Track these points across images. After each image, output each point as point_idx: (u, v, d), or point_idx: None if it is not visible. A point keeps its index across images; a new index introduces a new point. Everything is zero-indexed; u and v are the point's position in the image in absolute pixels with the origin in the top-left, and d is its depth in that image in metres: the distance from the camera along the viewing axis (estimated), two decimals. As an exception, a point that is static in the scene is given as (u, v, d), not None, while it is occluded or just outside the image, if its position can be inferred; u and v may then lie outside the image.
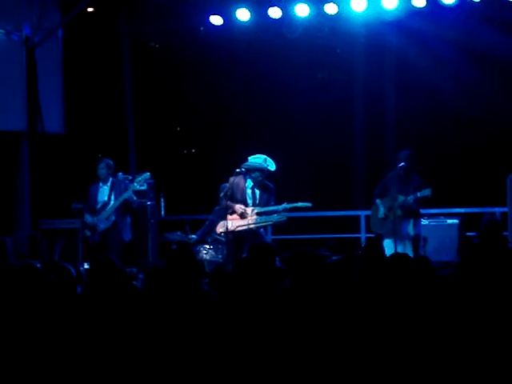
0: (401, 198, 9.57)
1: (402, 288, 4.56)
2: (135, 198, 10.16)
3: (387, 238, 9.47)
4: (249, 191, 9.60)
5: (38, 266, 5.77)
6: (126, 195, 10.02)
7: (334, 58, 12.28)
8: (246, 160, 9.61)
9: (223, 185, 9.73)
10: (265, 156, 9.55)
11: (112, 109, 12.60)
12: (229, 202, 9.55)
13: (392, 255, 5.32)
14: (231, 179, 9.58)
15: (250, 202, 9.57)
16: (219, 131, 12.56)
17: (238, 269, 4.73)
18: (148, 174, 10.21)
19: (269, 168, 9.50)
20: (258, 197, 9.58)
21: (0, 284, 5.22)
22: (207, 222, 10.39)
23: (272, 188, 9.61)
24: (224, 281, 5.52)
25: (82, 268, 7.48)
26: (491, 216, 9.90)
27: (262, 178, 9.55)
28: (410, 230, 9.63)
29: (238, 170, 9.51)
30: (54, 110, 11.41)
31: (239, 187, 9.58)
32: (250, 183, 9.60)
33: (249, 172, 9.54)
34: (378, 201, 9.80)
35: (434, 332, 4.11)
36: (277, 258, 5.71)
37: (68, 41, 11.85)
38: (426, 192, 9.39)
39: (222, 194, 9.62)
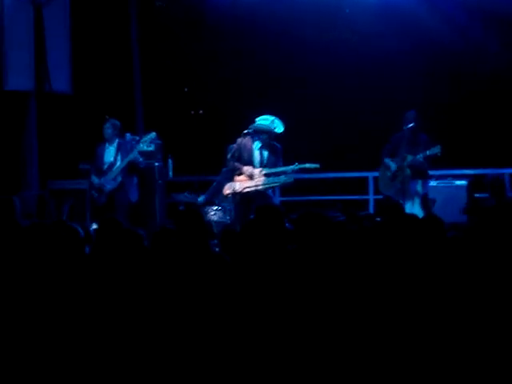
0: (409, 158, 9.56)
1: (411, 248, 4.54)
2: (141, 159, 10.15)
3: (395, 198, 9.46)
4: (256, 152, 9.58)
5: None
6: (131, 156, 10.01)
7: (343, 19, 12.16)
8: (254, 121, 9.57)
9: (230, 146, 9.70)
10: (273, 117, 9.50)
11: (119, 69, 12.54)
12: (236, 164, 9.54)
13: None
14: (239, 140, 9.55)
15: (257, 163, 9.56)
16: (227, 92, 12.49)
17: (246, 230, 4.73)
18: (154, 133, 10.20)
19: (276, 130, 9.47)
20: (265, 158, 9.57)
21: (9, 243, 5.24)
22: (214, 184, 10.38)
23: (279, 149, 9.58)
24: (232, 241, 5.52)
25: (90, 228, 7.49)
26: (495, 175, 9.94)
27: (270, 140, 9.52)
28: (419, 189, 9.63)
29: (245, 132, 9.48)
30: (61, 69, 11.34)
31: (246, 148, 9.56)
32: (257, 144, 9.58)
33: (256, 133, 9.51)
34: (386, 159, 9.79)
35: (440, 292, 4.11)
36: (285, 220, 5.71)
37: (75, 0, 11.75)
38: (436, 149, 9.39)
39: (229, 156, 9.60)
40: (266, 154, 9.57)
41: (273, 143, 9.56)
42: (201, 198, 10.32)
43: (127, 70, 12.58)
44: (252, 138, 9.55)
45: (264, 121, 9.50)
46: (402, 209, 5.99)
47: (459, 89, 11.58)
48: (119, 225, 5.68)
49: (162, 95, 12.77)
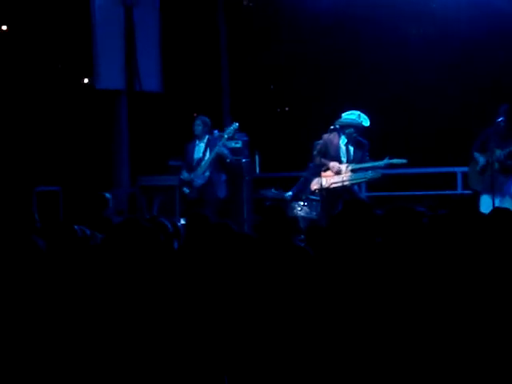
0: (498, 152, 9.41)
1: (503, 245, 4.44)
2: (227, 151, 10.25)
3: (485, 193, 9.32)
4: (343, 148, 9.59)
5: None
6: (216, 149, 10.15)
7: (428, 11, 12.02)
8: (340, 117, 9.58)
9: (317, 142, 9.73)
10: (358, 112, 9.50)
11: (207, 67, 12.72)
12: (323, 160, 9.56)
13: (493, 210, 5.18)
14: (325, 136, 9.58)
15: (343, 159, 9.56)
16: (312, 89, 12.52)
17: (333, 224, 4.73)
18: (236, 124, 10.32)
19: (363, 124, 9.46)
20: (351, 153, 9.56)
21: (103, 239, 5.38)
22: (301, 179, 10.42)
23: (366, 144, 9.57)
24: (319, 236, 5.55)
25: (179, 223, 7.62)
26: None
27: (357, 135, 9.52)
28: (509, 183, 9.46)
29: (331, 127, 9.50)
30: (151, 68, 11.52)
31: (333, 144, 9.57)
32: (344, 140, 9.58)
33: (343, 128, 9.52)
34: (475, 154, 9.64)
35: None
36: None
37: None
38: None
39: (315, 152, 9.63)
40: (352, 149, 9.56)
41: (359, 139, 9.55)
42: (288, 194, 10.37)
43: (215, 69, 12.74)
44: (338, 133, 9.57)
45: (350, 115, 9.51)
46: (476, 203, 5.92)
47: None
48: (207, 219, 5.78)
49: (248, 93, 12.90)
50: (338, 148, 9.57)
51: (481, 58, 11.44)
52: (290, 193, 10.34)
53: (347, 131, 9.49)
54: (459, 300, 3.99)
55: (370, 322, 3.98)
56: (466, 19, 11.39)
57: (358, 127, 9.46)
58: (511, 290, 4.02)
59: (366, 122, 9.46)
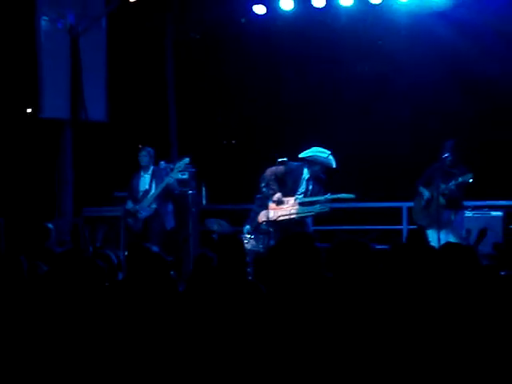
0: (443, 186, 9.50)
1: (454, 280, 4.43)
2: (175, 183, 10.21)
3: (430, 228, 9.37)
4: (303, 182, 9.57)
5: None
6: (167, 180, 10.08)
7: (376, 50, 12.14)
8: (307, 150, 9.52)
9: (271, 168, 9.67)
10: (329, 152, 9.50)
11: (154, 98, 12.65)
12: (273, 186, 9.47)
13: (444, 245, 5.19)
14: (290, 164, 9.54)
15: (300, 192, 9.53)
16: (259, 122, 12.55)
17: (270, 256, 4.68)
18: (187, 159, 10.26)
19: (331, 164, 9.46)
20: (310, 188, 9.55)
21: (47, 270, 5.25)
22: (252, 213, 10.31)
23: (324, 180, 9.58)
24: (264, 268, 5.47)
25: (122, 255, 7.49)
26: None
27: (321, 173, 9.52)
28: (453, 218, 9.56)
29: (298, 158, 9.47)
30: (96, 98, 11.43)
31: (294, 175, 9.53)
32: (306, 174, 9.57)
33: (310, 163, 9.50)
34: (421, 188, 9.74)
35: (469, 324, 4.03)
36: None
37: (111, 30, 11.86)
38: (467, 177, 9.33)
39: (264, 183, 9.57)
40: (311, 184, 9.55)
41: (320, 175, 9.56)
42: (246, 228, 10.14)
43: (162, 100, 12.68)
44: (302, 166, 9.54)
45: (322, 153, 9.50)
46: (425, 237, 5.95)
47: (499, 119, 11.44)
48: (148, 251, 5.67)
49: (195, 125, 12.87)
50: (297, 180, 9.54)
51: (429, 92, 11.58)
52: (248, 226, 10.13)
53: (313, 167, 9.48)
54: (414, 332, 3.96)
55: (326, 356, 3.92)
56: (414, 55, 11.54)
57: (326, 167, 9.48)
58: (465, 321, 4.01)
59: (334, 164, 9.48)
